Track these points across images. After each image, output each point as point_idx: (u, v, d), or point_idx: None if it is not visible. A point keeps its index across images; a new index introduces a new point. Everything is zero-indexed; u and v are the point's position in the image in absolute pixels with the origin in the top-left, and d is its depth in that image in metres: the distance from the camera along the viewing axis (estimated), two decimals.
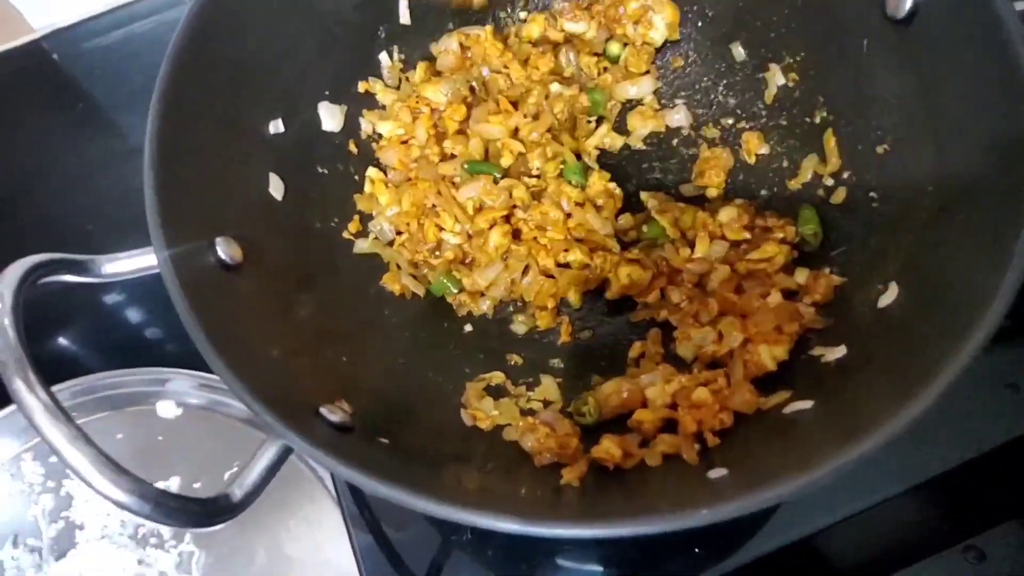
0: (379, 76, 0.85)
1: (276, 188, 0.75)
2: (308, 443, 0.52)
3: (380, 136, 0.84)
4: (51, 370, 0.52)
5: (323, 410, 0.58)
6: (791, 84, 0.80)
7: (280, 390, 0.57)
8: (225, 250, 0.64)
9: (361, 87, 0.83)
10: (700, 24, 0.86)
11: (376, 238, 0.81)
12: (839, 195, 0.75)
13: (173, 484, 0.86)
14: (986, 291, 0.50)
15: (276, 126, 0.76)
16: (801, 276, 0.71)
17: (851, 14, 0.71)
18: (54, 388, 0.51)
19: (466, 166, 0.80)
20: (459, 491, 0.55)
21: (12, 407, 0.89)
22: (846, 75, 0.74)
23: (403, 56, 0.85)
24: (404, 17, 0.84)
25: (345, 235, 0.80)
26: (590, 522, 0.50)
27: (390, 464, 0.56)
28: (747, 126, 0.84)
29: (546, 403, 0.72)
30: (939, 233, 0.61)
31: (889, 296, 0.62)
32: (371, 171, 0.83)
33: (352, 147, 0.83)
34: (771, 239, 0.74)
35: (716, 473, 0.55)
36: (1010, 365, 0.78)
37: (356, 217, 0.81)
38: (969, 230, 0.57)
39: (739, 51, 0.84)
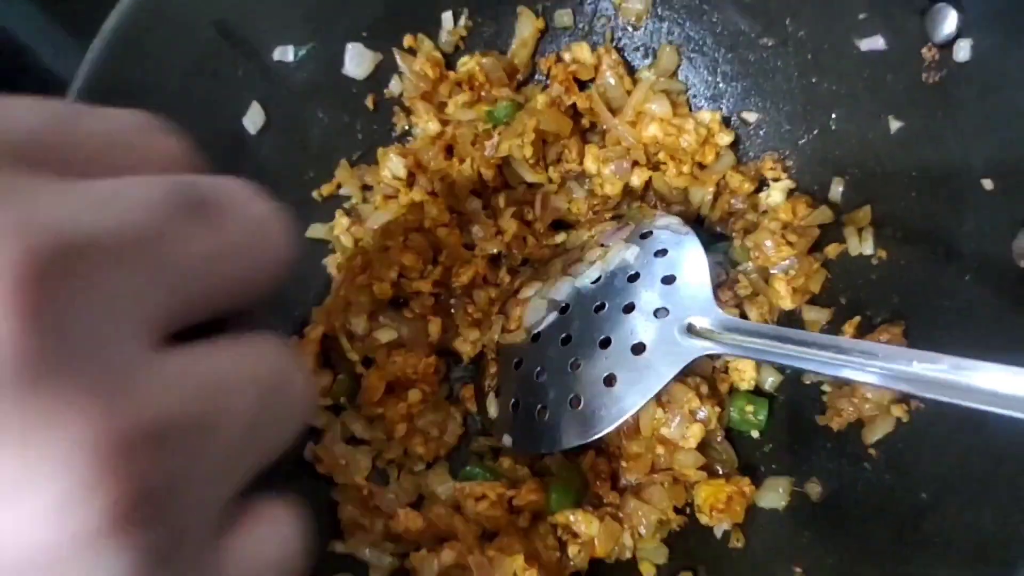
0: (434, 37, 0.73)
1: (253, 120, 0.66)
2: None
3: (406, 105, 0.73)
4: None
5: None
6: None
7: None
8: None
9: (407, 41, 0.72)
10: None
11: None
12: None
13: None
14: None
15: (283, 53, 0.66)
16: None
17: None
18: None
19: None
20: None
21: None
22: None
23: (470, 24, 0.73)
24: None
25: (314, 194, 0.71)
26: None
27: None
28: None
29: None
30: None
31: None
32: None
33: (370, 102, 0.72)
34: None
35: None
36: None
37: (335, 180, 0.72)
38: None
39: None
